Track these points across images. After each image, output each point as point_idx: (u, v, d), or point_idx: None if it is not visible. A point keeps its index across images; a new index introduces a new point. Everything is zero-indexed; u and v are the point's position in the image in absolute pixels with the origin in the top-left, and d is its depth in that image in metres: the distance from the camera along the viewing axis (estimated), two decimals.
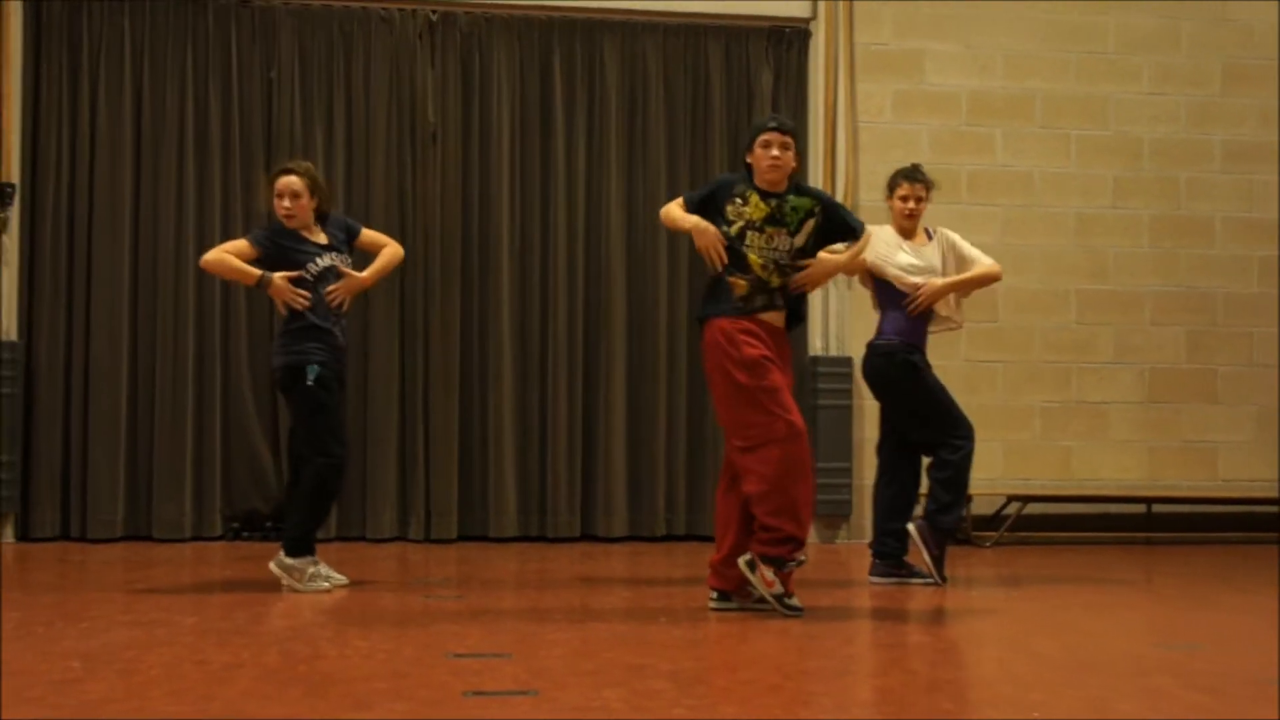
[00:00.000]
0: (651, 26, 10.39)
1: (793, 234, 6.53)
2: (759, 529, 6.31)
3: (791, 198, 6.59)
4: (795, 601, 6.36)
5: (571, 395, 10.14)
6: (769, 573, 6.29)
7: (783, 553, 6.28)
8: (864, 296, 10.32)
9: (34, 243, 9.74)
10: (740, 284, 6.43)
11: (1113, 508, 10.61)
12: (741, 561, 6.37)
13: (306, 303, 7.16)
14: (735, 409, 6.44)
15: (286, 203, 7.25)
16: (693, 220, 6.50)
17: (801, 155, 10.30)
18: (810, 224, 6.59)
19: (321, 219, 7.43)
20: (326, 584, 7.20)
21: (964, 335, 10.43)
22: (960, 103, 10.60)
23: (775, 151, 6.54)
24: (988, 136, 10.62)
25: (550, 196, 10.21)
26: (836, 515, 10.29)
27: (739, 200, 6.51)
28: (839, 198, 10.28)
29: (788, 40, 10.53)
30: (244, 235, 7.67)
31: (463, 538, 9.99)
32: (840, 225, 6.76)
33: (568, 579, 7.99)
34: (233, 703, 4.44)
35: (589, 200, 10.28)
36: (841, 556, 9.45)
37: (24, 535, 9.63)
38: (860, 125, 10.47)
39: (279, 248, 7.25)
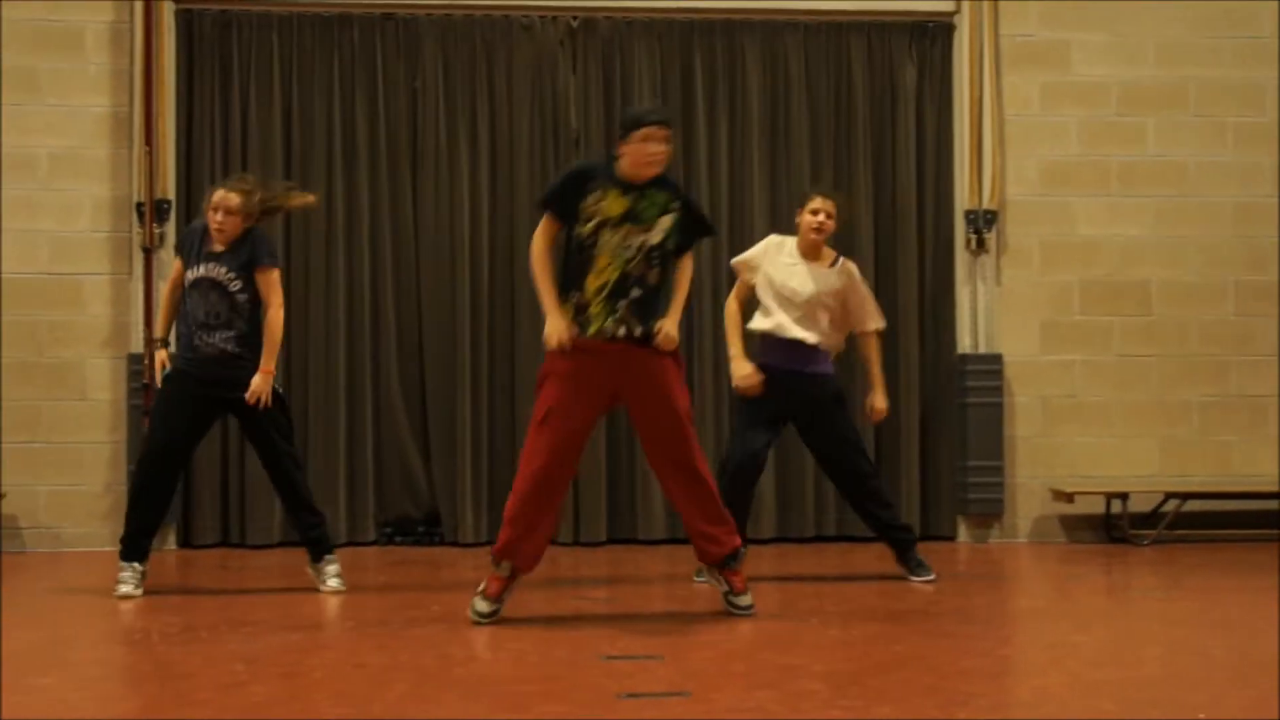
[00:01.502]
0: (793, 25, 10.34)
1: (647, 230, 6.28)
2: None
3: (650, 190, 6.31)
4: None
5: (718, 398, 10.11)
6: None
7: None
8: (1013, 293, 10.25)
9: None
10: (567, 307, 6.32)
11: (1276, 504, 10.34)
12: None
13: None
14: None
15: (219, 217, 7.36)
16: (548, 299, 6.37)
17: (947, 151, 10.32)
18: (667, 220, 6.34)
19: (249, 232, 7.49)
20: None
21: (1117, 329, 10.27)
22: (1110, 93, 10.41)
23: (660, 148, 6.27)
24: (1139, 126, 10.40)
25: (693, 198, 10.19)
26: (989, 514, 10.15)
27: (600, 192, 6.26)
28: (985, 194, 10.17)
29: (931, 35, 10.42)
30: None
31: (612, 540, 10.02)
32: (697, 223, 6.59)
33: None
34: (393, 705, 4.50)
35: (732, 201, 10.25)
36: (995, 556, 9.34)
37: (185, 542, 9.84)
38: (1007, 119, 10.32)
39: (188, 251, 7.47)
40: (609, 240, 6.22)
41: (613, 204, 6.23)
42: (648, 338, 6.32)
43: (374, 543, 9.94)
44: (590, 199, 6.26)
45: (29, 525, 9.67)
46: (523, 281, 9.97)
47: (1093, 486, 10.09)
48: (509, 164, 10.15)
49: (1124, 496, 9.97)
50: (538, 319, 9.79)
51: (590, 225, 6.23)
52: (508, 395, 10.01)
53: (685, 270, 6.59)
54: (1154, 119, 10.41)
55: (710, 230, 6.65)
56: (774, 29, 10.32)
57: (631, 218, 6.23)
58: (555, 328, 6.28)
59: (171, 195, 9.80)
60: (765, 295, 7.73)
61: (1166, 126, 10.41)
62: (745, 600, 6.55)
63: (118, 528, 9.39)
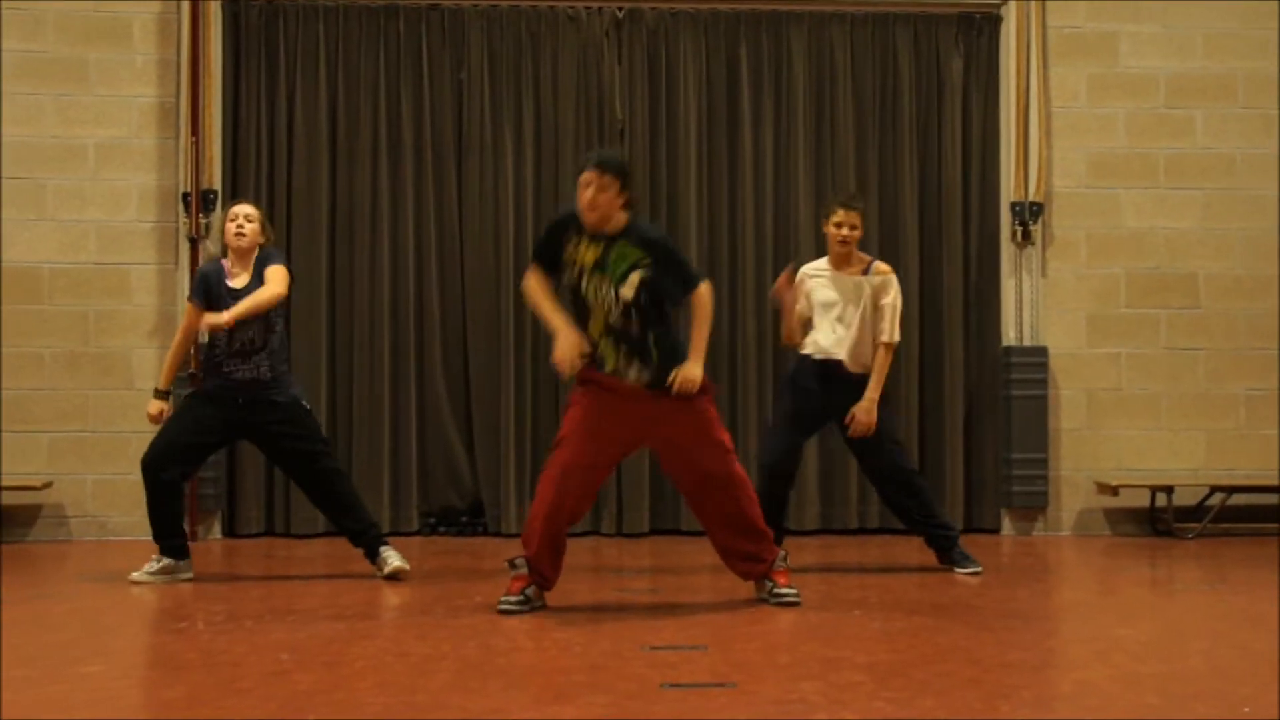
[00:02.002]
0: (839, 16, 10.31)
1: (616, 284, 6.20)
2: None
3: (620, 244, 6.21)
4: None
5: (761, 388, 10.11)
6: None
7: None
8: (1058, 285, 10.20)
9: None
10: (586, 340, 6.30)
11: None
12: None
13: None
14: None
15: (240, 223, 7.50)
16: (554, 323, 6.33)
17: (994, 143, 10.27)
18: (636, 276, 6.19)
19: (261, 249, 7.59)
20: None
21: (1164, 322, 10.22)
22: (1158, 84, 10.34)
23: (589, 194, 6.15)
24: (1187, 119, 10.34)
25: (738, 191, 10.19)
26: (1033, 507, 10.12)
27: (574, 241, 6.27)
28: (1031, 185, 10.13)
29: (978, 26, 10.37)
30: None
31: (655, 531, 10.03)
32: (675, 278, 6.31)
33: None
34: (436, 694, 4.52)
35: (777, 194, 10.24)
36: (1038, 548, 9.30)
37: (230, 532, 9.90)
38: (1054, 111, 10.27)
39: (207, 292, 7.49)
40: (592, 287, 6.23)
41: (585, 252, 6.24)
42: (662, 384, 6.26)
43: (417, 533, 9.99)
44: (569, 247, 6.29)
45: (76, 514, 9.75)
46: None
47: (1138, 480, 10.05)
48: (554, 155, 10.16)
49: (1169, 490, 9.91)
50: None
51: (574, 272, 6.27)
52: (551, 387, 10.02)
53: (699, 309, 6.37)
54: (1202, 111, 10.34)
55: (687, 287, 6.32)
56: (820, 21, 10.29)
57: (601, 267, 6.21)
58: (567, 342, 6.23)
59: (217, 185, 9.86)
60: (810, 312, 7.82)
61: (1214, 118, 10.35)
62: (790, 591, 6.56)
63: None
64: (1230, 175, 10.33)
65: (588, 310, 6.27)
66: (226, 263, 7.58)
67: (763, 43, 10.28)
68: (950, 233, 10.22)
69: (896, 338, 7.81)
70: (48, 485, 9.62)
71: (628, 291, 6.19)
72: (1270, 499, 10.19)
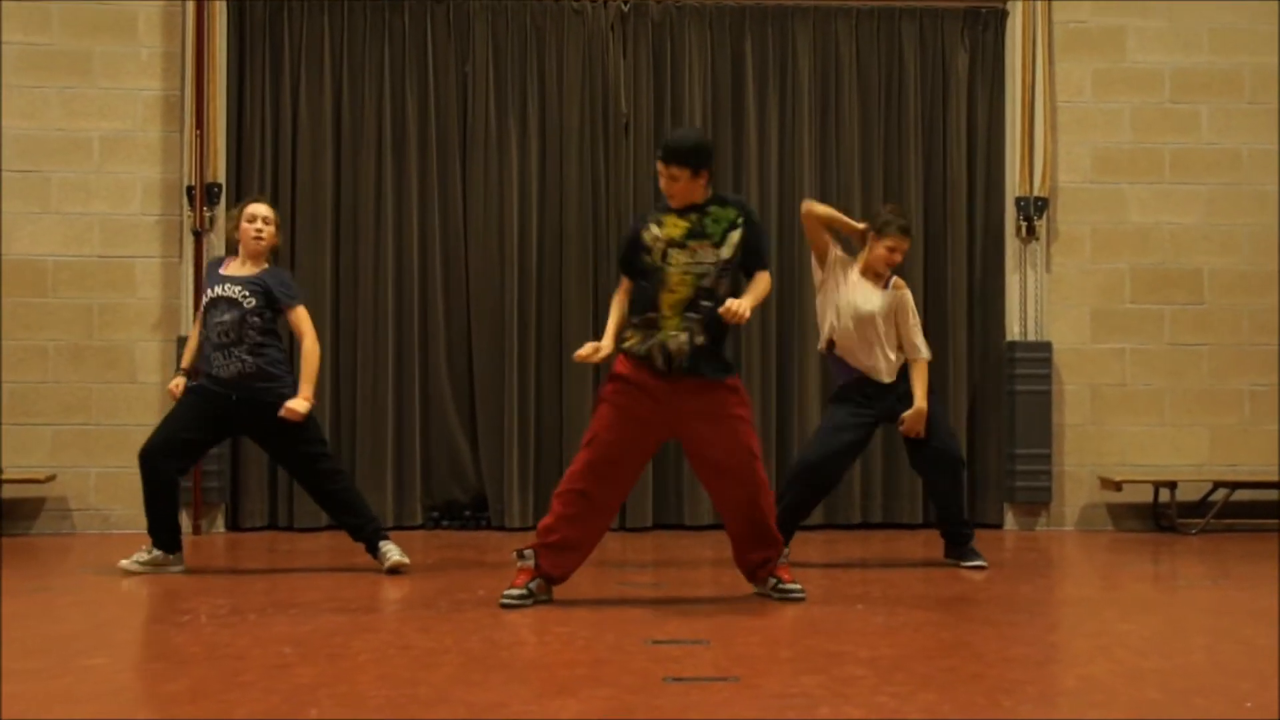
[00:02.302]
0: (844, 11, 10.30)
1: (717, 245, 6.30)
2: None
3: (713, 209, 6.38)
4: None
5: (765, 382, 10.11)
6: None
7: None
8: (1063, 280, 10.20)
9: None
10: (632, 337, 6.35)
11: None
12: None
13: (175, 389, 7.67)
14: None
15: (259, 225, 7.57)
16: (606, 331, 6.53)
17: (999, 138, 10.26)
18: (735, 235, 6.33)
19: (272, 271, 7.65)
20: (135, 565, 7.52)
21: (1168, 317, 10.21)
22: (1163, 80, 10.33)
23: (663, 184, 6.38)
24: (1192, 114, 10.33)
25: (744, 185, 10.18)
26: (1036, 503, 10.12)
27: (654, 226, 6.35)
28: (1036, 181, 10.13)
29: (984, 21, 10.37)
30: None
31: (658, 525, 10.03)
32: (755, 249, 6.46)
33: None
34: (439, 688, 4.52)
35: (782, 188, 10.23)
36: (1041, 544, 9.30)
37: (234, 525, 9.91)
38: (1059, 105, 10.27)
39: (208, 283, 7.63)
40: (679, 259, 6.26)
41: (670, 228, 6.31)
42: (705, 369, 6.28)
43: (421, 526, 10.00)
44: (647, 238, 6.35)
45: (79, 507, 9.77)
46: (570, 267, 10.01)
47: (1141, 475, 10.06)
48: (559, 149, 10.16)
49: (1172, 485, 9.92)
50: (585, 306, 9.90)
51: (657, 253, 6.29)
52: (555, 381, 10.04)
53: (761, 280, 6.51)
54: (1208, 106, 10.33)
55: (762, 261, 6.49)
56: (825, 15, 10.29)
57: (696, 235, 6.28)
58: (590, 350, 6.43)
59: (222, 179, 9.86)
60: (834, 311, 7.77)
61: (1220, 114, 10.34)
62: (795, 586, 6.57)
63: None
64: (1235, 170, 10.32)
65: (664, 283, 6.27)
66: (232, 259, 7.61)
67: (768, 37, 10.27)
68: (955, 228, 10.22)
69: (929, 354, 7.91)
70: (51, 478, 9.63)
71: (727, 251, 6.30)
72: (1273, 495, 10.19)
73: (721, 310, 6.14)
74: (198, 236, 9.78)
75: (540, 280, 10.10)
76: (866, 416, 7.76)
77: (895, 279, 7.88)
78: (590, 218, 10.06)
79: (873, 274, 7.80)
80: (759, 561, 6.64)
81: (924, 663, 5.01)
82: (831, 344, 7.81)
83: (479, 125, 10.15)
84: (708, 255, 6.26)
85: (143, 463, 7.44)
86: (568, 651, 5.19)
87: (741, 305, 6.16)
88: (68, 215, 9.83)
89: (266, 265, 7.60)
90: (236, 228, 7.63)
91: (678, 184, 6.28)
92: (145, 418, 9.68)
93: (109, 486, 9.78)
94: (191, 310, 9.62)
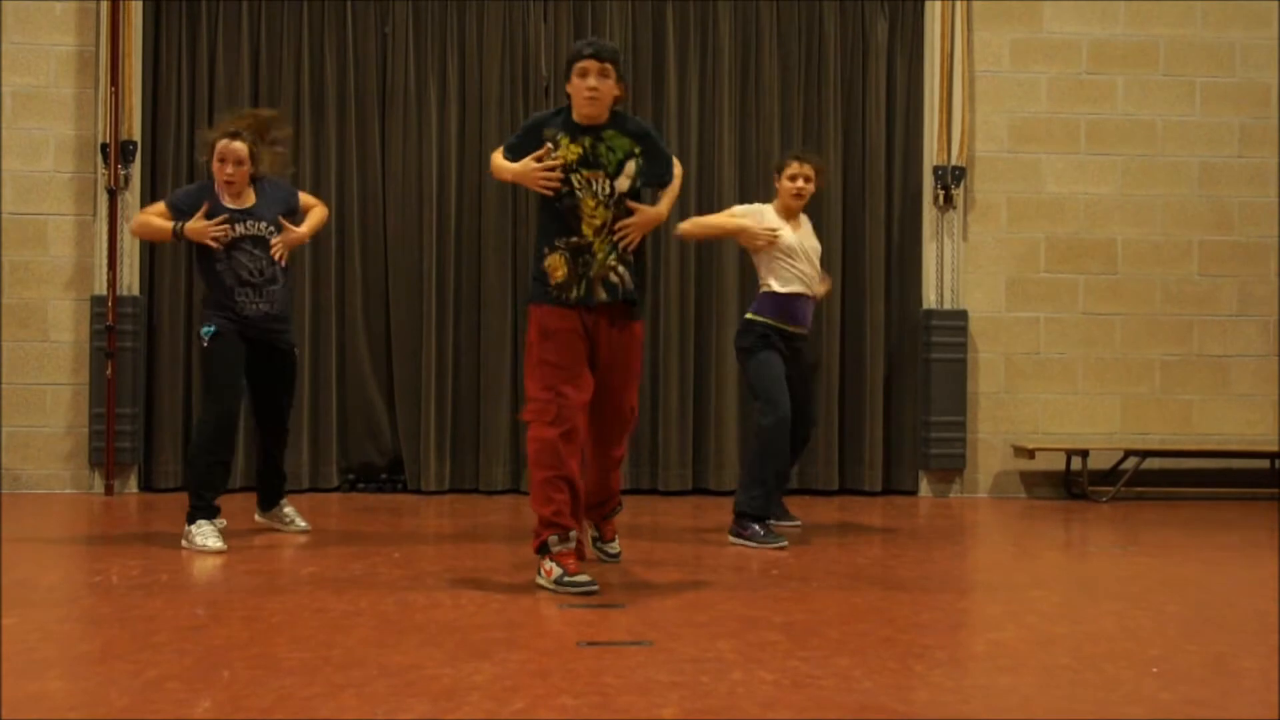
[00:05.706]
0: None
1: (611, 176, 5.96)
2: None
3: (609, 134, 5.98)
4: (581, 577, 5.76)
5: (683, 352, 10.13)
6: (545, 563, 5.88)
7: (540, 540, 5.90)
8: (979, 249, 10.28)
9: (155, 199, 9.86)
10: (558, 266, 5.95)
11: (1235, 463, 10.42)
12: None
13: (223, 233, 7.08)
14: (528, 379, 6.05)
15: (230, 169, 7.15)
16: (513, 169, 6.00)
17: (917, 107, 10.31)
18: (631, 165, 6.00)
19: (255, 181, 7.32)
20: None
21: (1082, 287, 10.32)
22: (1080, 51, 10.41)
23: (591, 81, 5.87)
24: (1109, 85, 10.42)
25: None
26: (950, 470, 10.21)
27: (550, 146, 5.96)
28: (954, 150, 10.18)
29: None
30: (163, 200, 7.49)
31: None
32: (661, 163, 6.13)
33: (679, 532, 8.01)
34: (352, 650, 4.51)
35: (701, 155, 10.23)
36: (955, 511, 9.39)
37: (147, 485, 9.83)
38: (977, 75, 10.32)
39: (192, 209, 7.16)
40: (586, 185, 5.94)
41: (567, 149, 5.96)
42: (631, 297, 6.05)
43: (337, 489, 9.96)
44: (548, 134, 6.02)
45: None
46: (489, 229, 9.97)
47: (1054, 443, 10.18)
48: (478, 111, 10.11)
49: (1084, 453, 10.04)
50: (504, 268, 9.86)
51: (561, 170, 5.95)
52: (473, 343, 10.01)
53: (673, 184, 6.25)
54: (1123, 77, 10.43)
55: (670, 169, 6.17)
56: None
57: (589, 163, 5.96)
58: (524, 170, 5.98)
59: (137, 136, 9.75)
60: (779, 259, 7.69)
61: (1135, 85, 10.44)
62: (614, 547, 6.72)
63: (79, 469, 9.44)
64: (1150, 142, 10.43)
65: (577, 211, 5.95)
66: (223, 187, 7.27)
67: (689, 2, 10.25)
68: (873, 196, 10.26)
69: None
70: None
71: (623, 183, 5.99)
72: (1183, 463, 10.35)
73: (618, 231, 5.98)
74: (112, 194, 9.66)
75: (459, 241, 10.05)
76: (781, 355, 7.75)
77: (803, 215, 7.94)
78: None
79: (785, 212, 7.80)
80: (609, 496, 6.58)
81: (837, 627, 5.05)
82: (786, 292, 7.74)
83: (398, 86, 10.08)
84: (602, 186, 5.95)
85: (214, 436, 7.07)
86: (482, 615, 5.19)
87: (658, 212, 6.10)
88: None
89: (260, 188, 7.30)
90: (208, 160, 7.27)
91: (607, 81, 5.91)
92: (58, 377, 9.58)
93: (20, 447, 9.66)
94: (106, 270, 9.52)
